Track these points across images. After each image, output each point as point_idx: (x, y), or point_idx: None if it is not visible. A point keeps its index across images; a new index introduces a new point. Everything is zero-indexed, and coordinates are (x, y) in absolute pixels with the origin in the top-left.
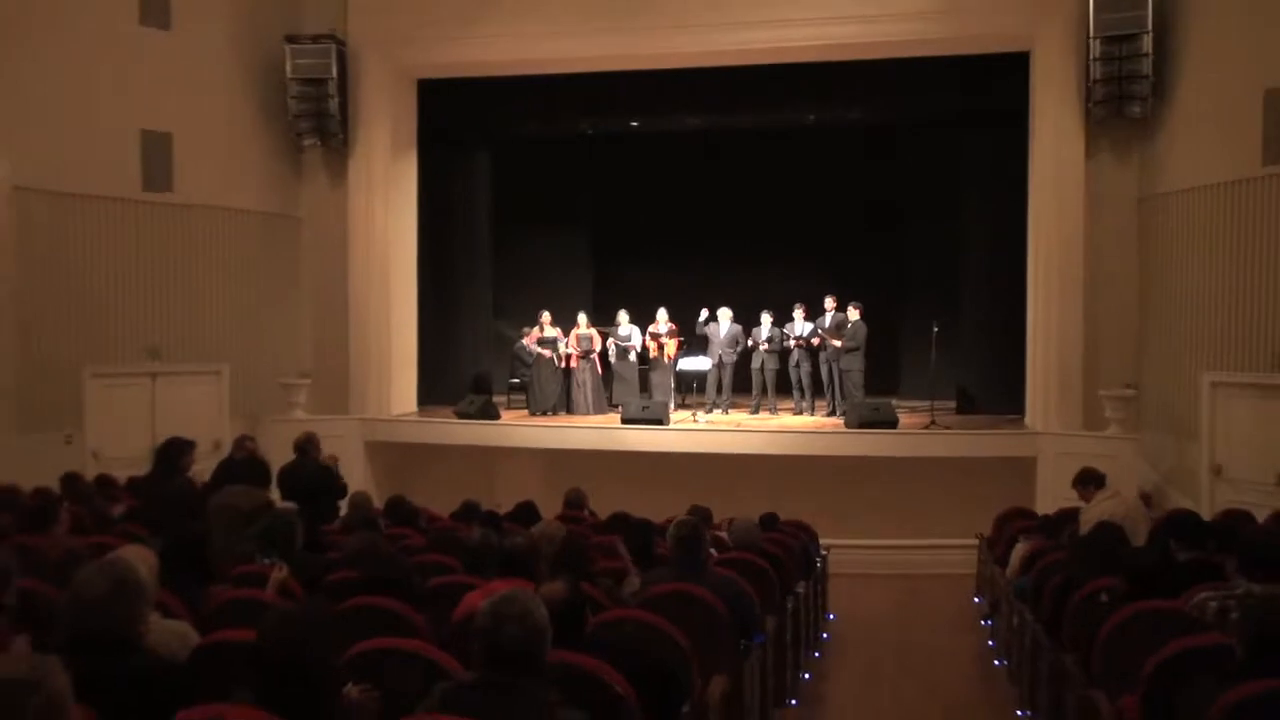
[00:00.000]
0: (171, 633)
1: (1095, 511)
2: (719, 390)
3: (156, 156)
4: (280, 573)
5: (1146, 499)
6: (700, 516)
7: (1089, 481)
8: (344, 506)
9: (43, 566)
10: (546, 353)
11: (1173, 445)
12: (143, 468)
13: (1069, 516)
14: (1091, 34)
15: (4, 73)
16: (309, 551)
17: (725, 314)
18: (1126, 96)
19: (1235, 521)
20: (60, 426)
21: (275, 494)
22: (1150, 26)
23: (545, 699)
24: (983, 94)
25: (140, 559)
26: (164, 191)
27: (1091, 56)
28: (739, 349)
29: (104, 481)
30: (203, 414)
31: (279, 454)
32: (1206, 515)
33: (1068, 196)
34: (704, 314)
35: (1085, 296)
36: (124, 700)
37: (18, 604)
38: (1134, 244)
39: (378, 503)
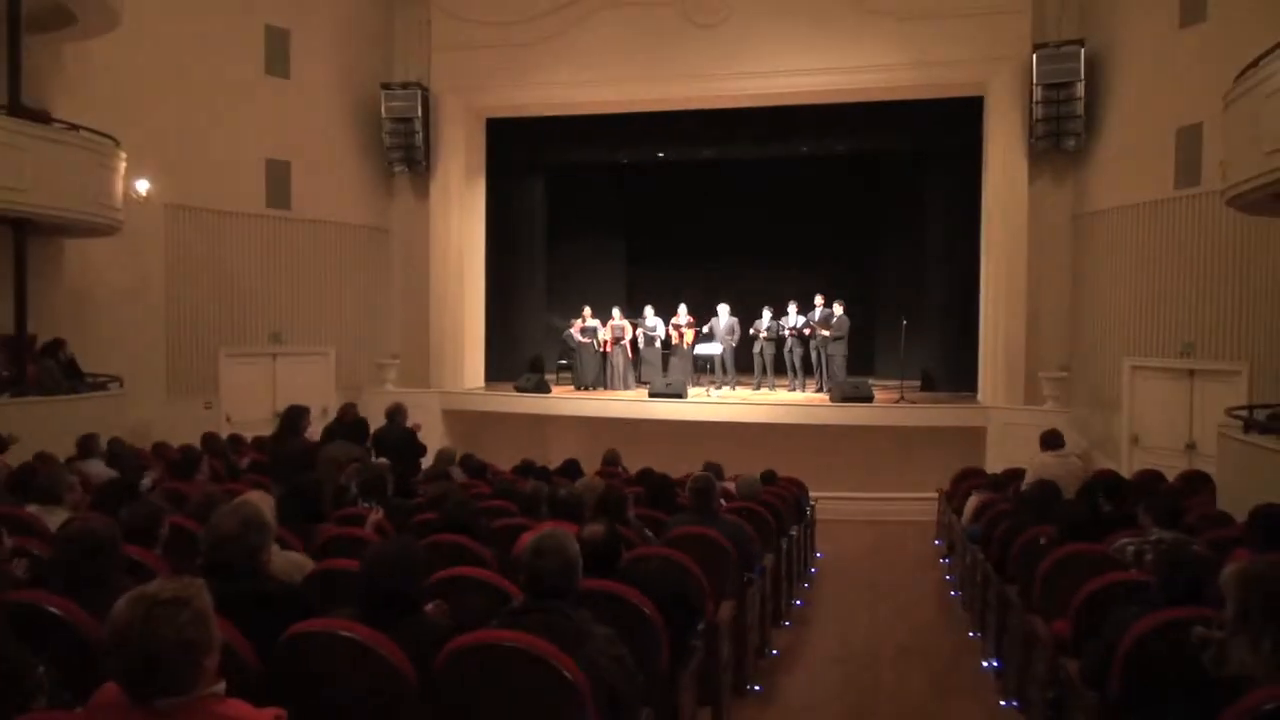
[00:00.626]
0: (289, 561)
1: (1037, 463)
2: (726, 370)
3: (278, 180)
4: (376, 514)
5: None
6: (713, 470)
7: (1047, 441)
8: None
9: (188, 507)
10: (587, 339)
11: (1099, 418)
12: (267, 429)
13: (1014, 475)
14: (1035, 82)
15: (158, 113)
16: (399, 497)
17: (724, 309)
18: (1063, 133)
19: (1150, 481)
20: (201, 395)
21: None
22: (1083, 76)
23: (578, 618)
24: (945, 130)
25: (262, 502)
26: (284, 209)
27: (1034, 100)
28: (736, 336)
29: (235, 440)
30: (314, 387)
31: (374, 420)
32: (1126, 475)
33: (1013, 214)
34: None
35: (1027, 295)
36: (253, 615)
37: (169, 536)
38: (1068, 253)
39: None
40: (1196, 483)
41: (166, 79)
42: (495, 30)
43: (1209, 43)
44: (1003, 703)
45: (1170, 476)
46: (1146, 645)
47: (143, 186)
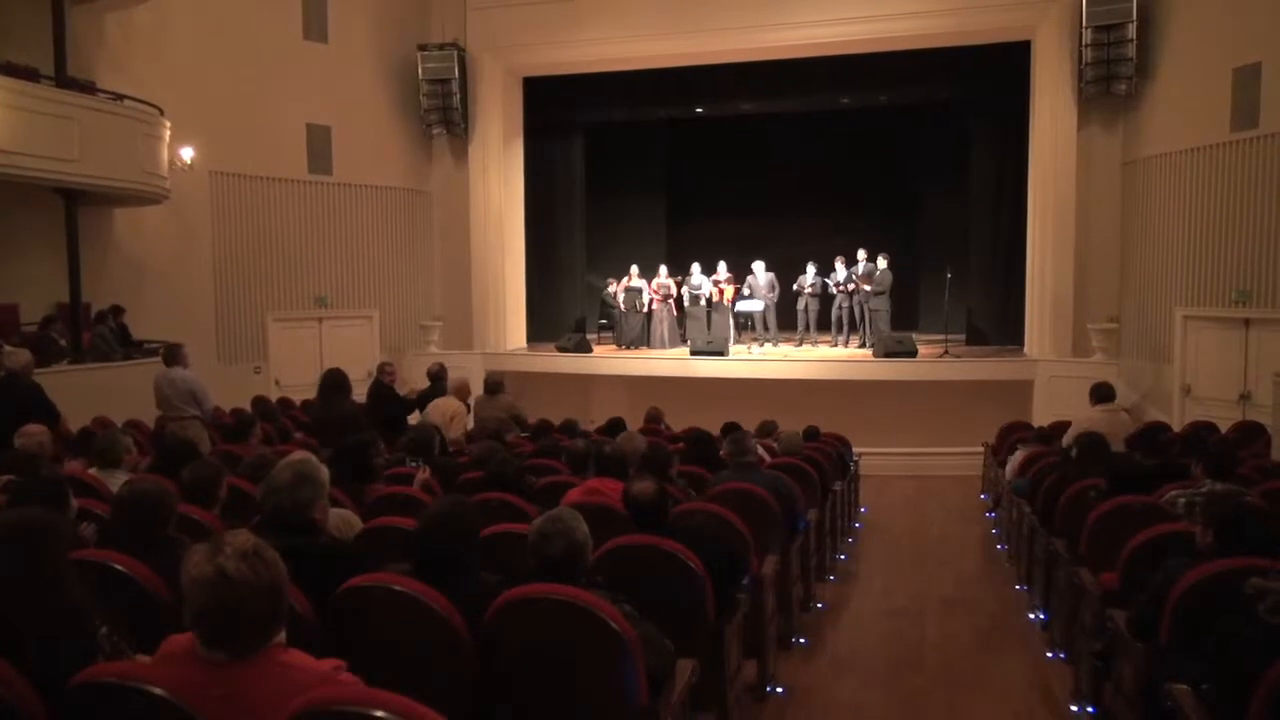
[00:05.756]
0: (341, 519)
1: (1083, 419)
2: (768, 328)
3: (319, 145)
4: (424, 473)
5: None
6: (768, 427)
7: (1098, 394)
8: (470, 421)
9: (241, 468)
10: (628, 298)
11: (1149, 369)
12: (314, 392)
13: (1062, 428)
14: (1084, 24)
15: (201, 82)
16: (445, 456)
17: (759, 266)
18: (1114, 77)
19: (1202, 432)
20: (250, 359)
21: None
22: (1135, 17)
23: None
24: (990, 77)
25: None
26: (325, 173)
27: (1083, 43)
28: (777, 292)
29: (285, 403)
30: (359, 350)
31: (419, 381)
32: (1178, 428)
33: (1062, 161)
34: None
35: (1076, 245)
36: (311, 569)
37: (226, 496)
38: (1118, 200)
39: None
40: (1251, 433)
41: (207, 46)
42: None
43: None
44: (1049, 654)
45: (1223, 428)
46: (1197, 596)
47: (187, 154)
